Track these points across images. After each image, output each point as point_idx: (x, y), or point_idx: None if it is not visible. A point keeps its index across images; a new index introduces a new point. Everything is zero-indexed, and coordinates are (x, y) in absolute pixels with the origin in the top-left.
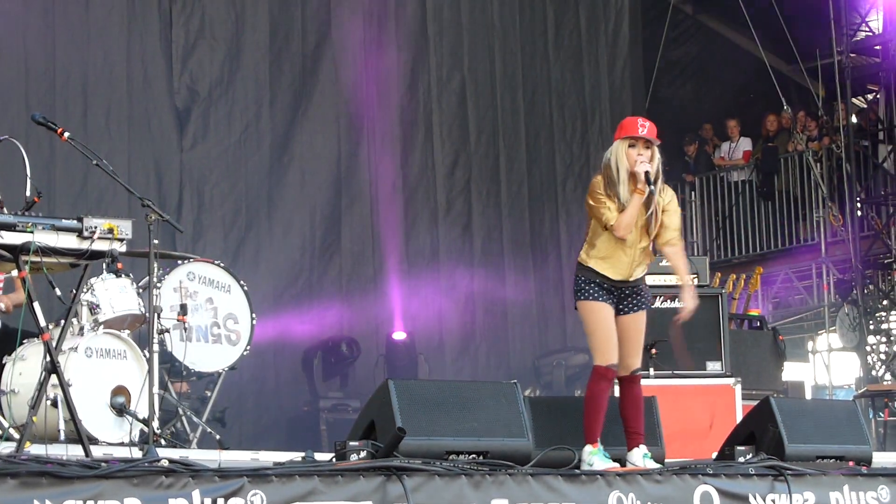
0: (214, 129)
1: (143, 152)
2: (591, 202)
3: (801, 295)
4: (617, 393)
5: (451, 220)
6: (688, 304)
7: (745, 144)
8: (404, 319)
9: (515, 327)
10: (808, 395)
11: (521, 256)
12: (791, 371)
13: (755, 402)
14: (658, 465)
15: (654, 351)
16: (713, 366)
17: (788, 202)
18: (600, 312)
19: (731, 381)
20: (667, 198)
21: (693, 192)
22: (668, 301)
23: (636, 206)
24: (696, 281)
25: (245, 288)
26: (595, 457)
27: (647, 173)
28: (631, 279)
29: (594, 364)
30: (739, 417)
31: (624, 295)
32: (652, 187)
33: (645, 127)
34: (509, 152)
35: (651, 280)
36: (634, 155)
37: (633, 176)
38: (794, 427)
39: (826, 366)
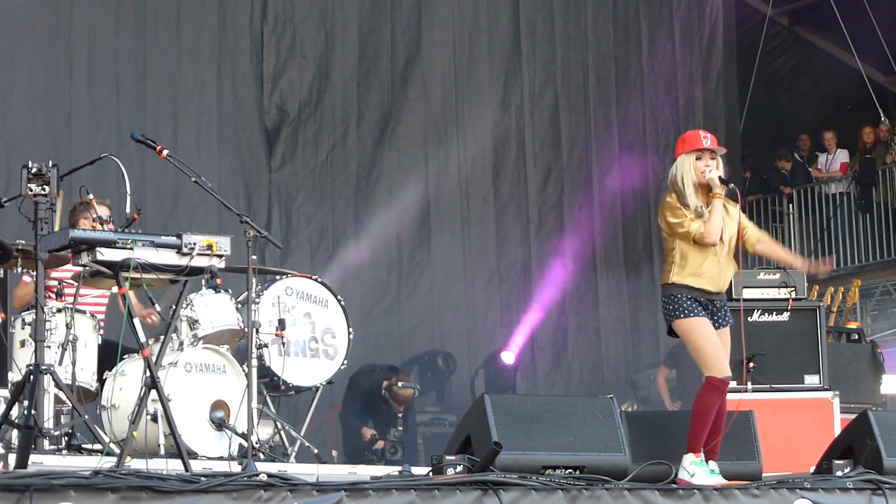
0: (302, 148)
1: (233, 172)
2: (671, 220)
3: None
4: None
5: (543, 235)
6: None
7: (843, 156)
8: (503, 335)
9: (609, 342)
10: None
11: (613, 271)
12: (890, 384)
13: (853, 416)
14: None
15: (751, 365)
16: (811, 379)
17: (887, 214)
18: (704, 326)
19: (829, 394)
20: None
21: (791, 205)
22: (766, 315)
23: (719, 210)
24: (793, 294)
25: (342, 303)
26: (698, 468)
27: (719, 177)
28: (723, 290)
29: (707, 375)
30: (837, 431)
31: (714, 309)
32: (731, 185)
33: (707, 138)
34: (602, 167)
35: (749, 293)
36: (701, 166)
37: (703, 187)
38: (892, 441)
39: None
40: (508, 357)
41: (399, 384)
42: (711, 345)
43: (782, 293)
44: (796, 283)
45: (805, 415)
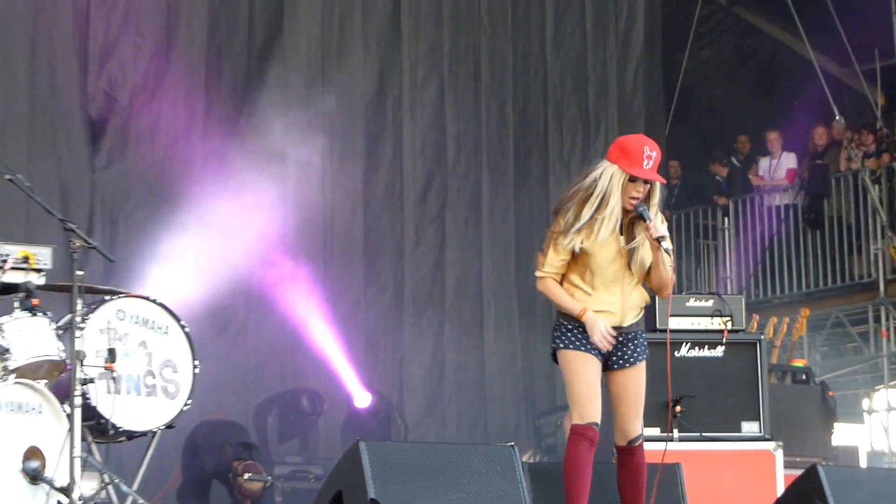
0: (136, 144)
1: (46, 172)
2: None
3: (856, 343)
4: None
5: (421, 254)
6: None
7: (789, 161)
8: (364, 373)
9: (495, 383)
10: (863, 463)
11: (503, 299)
12: (843, 434)
13: (800, 472)
14: None
15: (678, 409)
16: (749, 427)
17: (841, 231)
18: (582, 362)
19: (770, 445)
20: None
21: (726, 219)
22: (697, 349)
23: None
24: (729, 325)
25: (186, 329)
26: None
27: (660, 237)
28: (624, 325)
29: (572, 423)
30: (781, 489)
31: (616, 345)
32: (667, 248)
33: (651, 159)
34: (494, 174)
35: (675, 323)
36: (631, 191)
37: (627, 216)
38: (846, 501)
39: (885, 428)
40: (362, 400)
41: (246, 475)
42: (583, 384)
43: (715, 323)
44: (732, 311)
45: (742, 469)
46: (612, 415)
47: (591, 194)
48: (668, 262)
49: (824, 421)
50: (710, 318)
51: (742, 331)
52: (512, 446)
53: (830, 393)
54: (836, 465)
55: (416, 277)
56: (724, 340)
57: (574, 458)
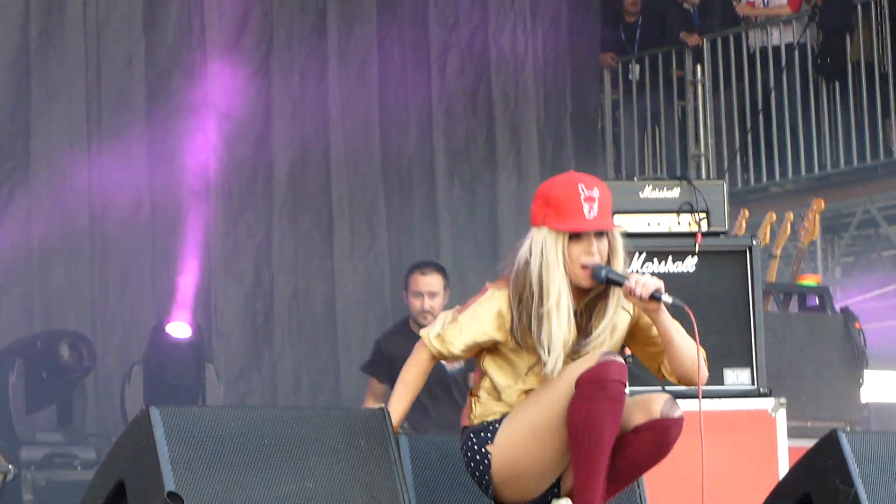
0: None
1: None
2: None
3: (894, 250)
4: None
5: (233, 126)
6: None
7: None
8: (177, 302)
9: (352, 320)
10: None
11: (365, 186)
12: (877, 385)
13: (813, 441)
14: None
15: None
16: (736, 376)
17: (872, 83)
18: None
19: (768, 403)
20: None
21: (700, 67)
22: (657, 262)
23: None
24: (704, 225)
25: None
26: None
27: (655, 291)
28: None
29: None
30: (785, 468)
31: None
32: (671, 300)
33: (594, 201)
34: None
35: (625, 222)
36: (580, 257)
37: (579, 291)
38: (880, 483)
39: None
40: (179, 329)
41: None
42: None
43: (684, 223)
44: (710, 205)
45: (727, 439)
46: None
47: (528, 283)
48: (680, 334)
49: (849, 367)
50: (675, 216)
51: (725, 233)
52: (382, 409)
53: (858, 325)
54: (867, 431)
55: (223, 164)
56: (696, 248)
57: (597, 417)
